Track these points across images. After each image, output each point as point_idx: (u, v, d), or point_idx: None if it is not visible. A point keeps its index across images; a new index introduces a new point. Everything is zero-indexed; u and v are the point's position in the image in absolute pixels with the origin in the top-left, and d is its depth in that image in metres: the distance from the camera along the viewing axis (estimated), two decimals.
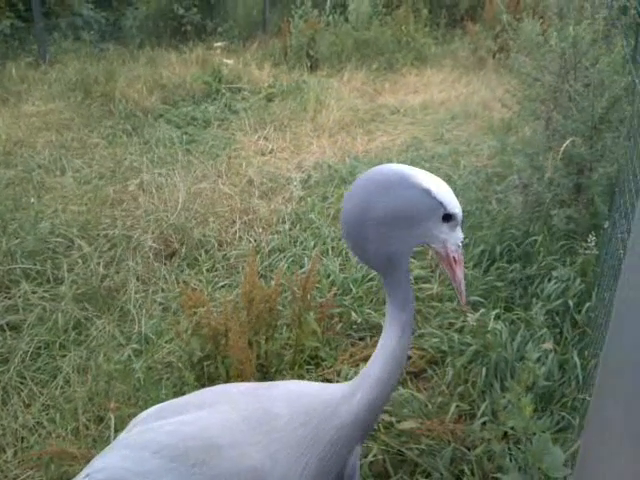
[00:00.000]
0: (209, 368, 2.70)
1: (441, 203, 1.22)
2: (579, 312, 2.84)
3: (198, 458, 1.24)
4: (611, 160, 3.05)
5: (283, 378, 2.74)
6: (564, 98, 3.31)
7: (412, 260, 3.47)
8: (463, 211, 1.37)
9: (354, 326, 3.11)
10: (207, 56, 8.34)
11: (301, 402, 1.38)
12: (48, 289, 3.50)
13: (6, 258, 3.68)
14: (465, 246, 3.59)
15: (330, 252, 3.78)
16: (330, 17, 9.30)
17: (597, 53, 3.04)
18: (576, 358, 2.55)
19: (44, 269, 3.63)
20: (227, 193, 4.71)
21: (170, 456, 1.24)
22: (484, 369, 2.69)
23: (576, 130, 3.09)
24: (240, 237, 4.16)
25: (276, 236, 4.08)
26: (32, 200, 4.49)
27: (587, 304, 2.82)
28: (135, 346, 3.04)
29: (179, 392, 2.69)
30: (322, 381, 2.78)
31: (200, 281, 3.65)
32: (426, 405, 2.68)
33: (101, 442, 2.39)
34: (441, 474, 2.30)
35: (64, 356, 3.00)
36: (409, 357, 2.99)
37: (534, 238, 3.34)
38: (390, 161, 5.04)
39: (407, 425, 2.52)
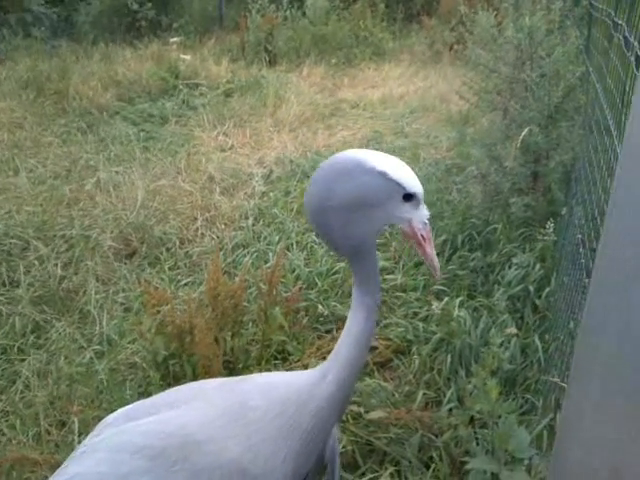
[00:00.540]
0: (174, 367, 2.66)
1: (399, 184, 1.22)
2: (539, 297, 2.91)
3: (179, 455, 1.22)
4: (567, 148, 3.12)
5: (250, 374, 2.71)
6: (520, 88, 3.37)
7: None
8: (425, 202, 1.38)
9: (320, 319, 3.11)
10: (163, 52, 8.21)
11: (275, 393, 1.39)
12: (4, 292, 3.39)
13: None
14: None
15: (295, 246, 3.76)
16: (287, 12, 9.28)
17: (552, 43, 3.11)
18: (538, 341, 2.61)
19: None
20: (187, 190, 4.65)
21: (149, 456, 1.22)
22: (449, 356, 2.72)
23: (533, 119, 3.16)
24: (202, 234, 4.11)
25: (239, 232, 4.05)
26: None
27: (547, 289, 2.89)
28: (97, 347, 2.97)
29: (144, 392, 2.64)
30: None
31: (162, 280, 3.59)
32: (393, 394, 2.69)
33: (64, 447, 2.33)
34: (410, 462, 2.32)
35: (23, 360, 2.92)
36: (375, 348, 3.00)
37: (494, 226, 3.40)
38: None
39: (375, 415, 2.53)
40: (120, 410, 1.49)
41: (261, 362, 2.83)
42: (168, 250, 3.91)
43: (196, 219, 4.27)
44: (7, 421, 2.58)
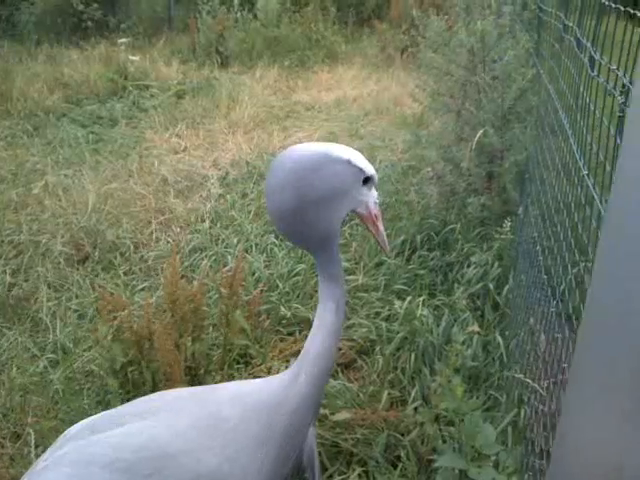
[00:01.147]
0: (133, 374, 2.58)
1: (361, 169, 1.30)
2: (499, 294, 2.96)
3: (153, 468, 1.18)
4: (520, 149, 3.20)
5: (213, 379, 2.67)
6: (473, 91, 3.43)
7: None
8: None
9: (283, 321, 3.08)
10: (111, 53, 8.00)
11: (247, 401, 1.37)
12: None
13: None
14: (387, 236, 3.65)
15: (254, 249, 3.72)
16: (238, 14, 9.20)
17: (503, 47, 3.18)
18: (499, 338, 2.66)
19: None
20: (140, 193, 4.54)
21: (121, 469, 1.17)
22: (412, 355, 2.74)
23: (486, 121, 3.22)
24: (157, 238, 4.02)
25: (196, 235, 3.97)
26: None
27: (506, 286, 2.94)
28: (51, 356, 2.86)
29: (102, 401, 2.56)
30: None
31: (117, 285, 3.49)
32: (358, 395, 2.69)
33: (20, 460, 2.22)
34: (377, 462, 2.32)
35: None
36: (339, 349, 3.00)
37: (452, 226, 3.45)
38: None
39: (341, 416, 2.52)
40: (83, 422, 1.43)
41: (223, 367, 2.77)
42: (122, 255, 3.80)
43: (150, 222, 4.17)
44: None
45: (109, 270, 3.67)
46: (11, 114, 6.27)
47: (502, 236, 3.04)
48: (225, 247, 3.78)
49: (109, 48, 8.38)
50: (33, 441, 2.16)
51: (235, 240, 3.80)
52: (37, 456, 2.02)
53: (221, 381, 2.64)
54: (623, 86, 1.16)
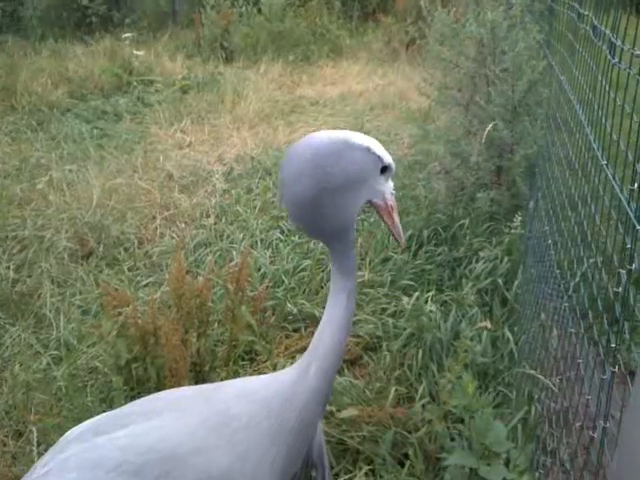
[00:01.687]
0: (138, 371, 2.55)
1: (379, 157, 1.26)
2: (508, 290, 2.91)
3: (161, 470, 1.15)
4: (530, 142, 3.14)
5: (218, 375, 2.63)
6: (482, 83, 3.38)
7: None
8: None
9: (289, 317, 3.05)
10: (116, 48, 7.96)
11: (256, 397, 1.33)
12: None
13: None
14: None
15: (259, 244, 3.69)
16: (243, 8, 9.15)
17: (514, 38, 3.13)
18: (509, 334, 2.61)
19: None
20: (145, 188, 4.50)
21: (129, 472, 1.14)
22: (420, 351, 2.70)
23: (496, 114, 3.17)
24: (162, 233, 3.99)
25: (201, 230, 3.94)
26: None
27: (515, 282, 2.90)
28: (54, 352, 2.83)
29: (106, 398, 2.53)
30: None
31: (121, 281, 3.45)
32: (364, 392, 2.66)
33: (22, 458, 2.20)
34: (384, 460, 2.28)
35: None
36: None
37: (460, 222, 3.40)
38: None
39: (347, 413, 2.48)
40: (85, 423, 1.39)
41: (228, 363, 2.74)
42: (126, 250, 3.77)
43: (155, 218, 4.14)
44: None
45: (113, 266, 3.64)
46: (15, 109, 6.25)
47: (512, 231, 3.00)
48: (230, 242, 3.74)
49: (114, 43, 8.35)
50: (35, 439, 2.13)
51: (240, 235, 3.76)
52: (39, 454, 1.98)
53: (226, 377, 2.60)
54: None
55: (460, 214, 3.45)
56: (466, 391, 1.99)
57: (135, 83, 7.02)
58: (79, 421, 1.40)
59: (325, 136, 1.25)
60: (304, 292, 3.27)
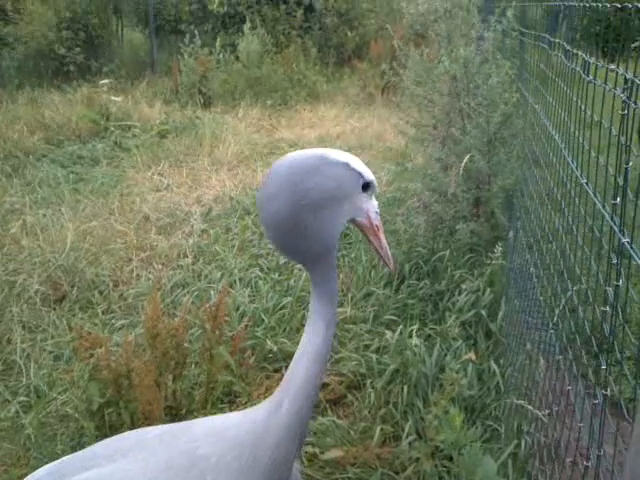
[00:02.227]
0: (111, 416, 2.43)
1: (360, 173, 1.22)
2: (492, 321, 2.87)
3: None
4: (507, 173, 3.16)
5: (195, 419, 2.51)
6: (457, 118, 3.41)
7: None
8: None
9: (269, 356, 2.96)
10: (93, 95, 7.98)
11: (226, 436, 1.25)
12: None
13: None
14: (374, 267, 3.57)
15: (238, 283, 3.61)
16: (220, 55, 9.28)
17: (487, 73, 3.17)
18: (494, 366, 2.55)
19: None
20: (121, 230, 4.43)
21: None
22: (405, 387, 2.62)
23: (472, 146, 3.19)
24: (138, 275, 3.90)
25: (178, 271, 3.86)
26: None
27: (500, 313, 2.85)
28: (24, 399, 2.69)
29: (78, 446, 2.39)
30: None
31: (95, 324, 3.34)
32: (349, 432, 2.56)
33: None
34: None
35: None
36: (327, 384, 2.87)
37: (441, 254, 3.37)
38: None
39: (331, 454, 2.39)
40: (49, 465, 1.31)
41: (206, 406, 2.63)
42: (101, 293, 3.67)
43: (131, 260, 4.05)
44: None
45: (87, 309, 3.54)
46: None
47: (493, 262, 2.97)
48: (208, 282, 3.66)
49: (91, 90, 8.37)
50: None
51: (218, 274, 3.69)
52: None
53: None
54: (625, 81, 1.10)
55: (440, 247, 3.43)
56: (453, 425, 1.91)
57: (112, 128, 7.00)
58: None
59: (302, 153, 1.21)
60: (284, 330, 3.19)
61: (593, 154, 1.39)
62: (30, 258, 3.96)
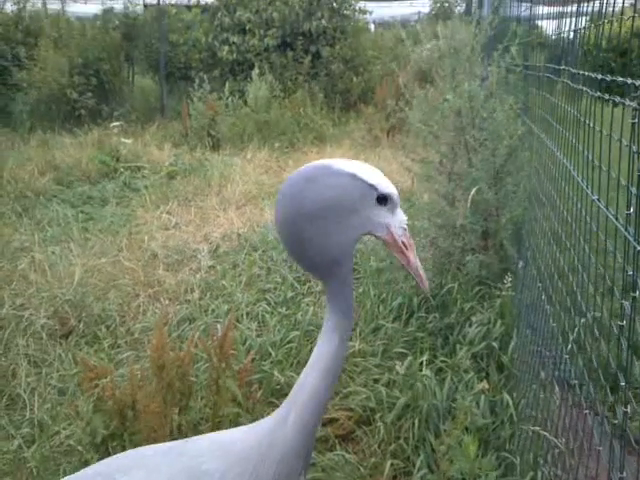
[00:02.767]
0: (115, 448, 2.37)
1: (371, 185, 1.15)
2: (504, 353, 2.82)
3: None
4: (515, 205, 3.16)
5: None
6: (463, 152, 3.44)
7: None
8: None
9: (277, 387, 2.91)
10: (103, 137, 8.13)
11: (230, 451, 1.21)
12: None
13: None
14: (382, 301, 3.54)
15: (245, 317, 3.58)
16: (229, 100, 9.47)
17: (492, 107, 3.21)
18: (508, 397, 2.49)
19: None
20: (129, 267, 4.43)
21: None
22: (416, 421, 2.55)
23: (479, 179, 3.20)
24: (144, 310, 3.88)
25: (185, 306, 3.84)
26: None
27: (511, 344, 2.80)
28: (27, 431, 2.64)
29: None
30: None
31: (101, 359, 3.30)
32: (358, 469, 2.49)
33: None
34: None
35: None
36: (336, 419, 2.81)
37: (450, 286, 3.34)
38: None
39: None
40: None
41: None
42: (108, 328, 3.65)
43: (138, 295, 4.04)
44: None
45: (93, 344, 3.51)
46: (0, 196, 6.25)
47: (503, 293, 2.94)
48: (215, 317, 3.64)
49: (101, 133, 8.53)
50: None
51: (225, 308, 3.66)
52: None
53: None
54: (636, 89, 1.11)
55: (449, 280, 3.40)
56: (467, 454, 1.85)
57: (122, 170, 7.10)
58: None
59: (312, 163, 1.20)
60: (292, 364, 3.14)
61: (604, 167, 1.39)
62: (37, 293, 3.95)
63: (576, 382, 1.76)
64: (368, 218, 1.17)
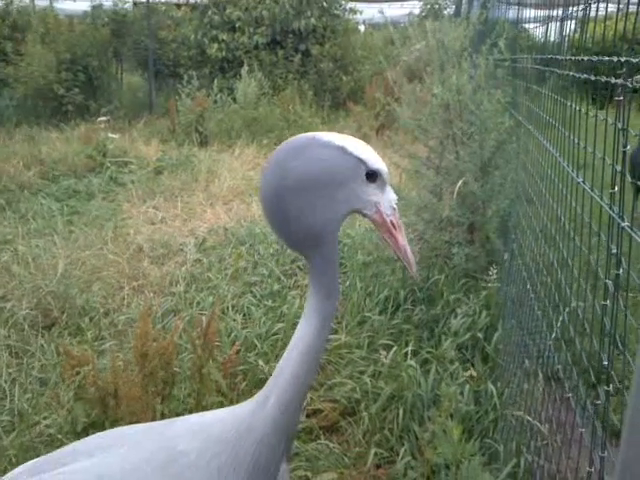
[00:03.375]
0: None
1: (360, 160, 1.10)
2: (488, 344, 2.82)
3: None
4: (501, 197, 3.16)
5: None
6: (451, 144, 3.44)
7: None
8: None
9: (261, 377, 2.88)
10: (90, 132, 8.05)
11: (208, 432, 1.19)
12: None
13: None
14: (369, 294, 3.53)
15: (230, 310, 3.55)
16: (218, 97, 9.43)
17: (479, 99, 3.22)
18: (492, 387, 2.49)
19: None
20: (113, 260, 4.39)
21: None
22: (400, 411, 2.55)
23: (466, 171, 3.20)
24: (129, 302, 3.84)
25: (170, 298, 3.80)
26: None
27: (496, 334, 2.80)
28: (7, 418, 2.60)
29: None
30: None
31: (85, 350, 3.26)
32: (343, 458, 2.47)
33: None
34: None
35: None
36: (320, 410, 2.80)
37: (436, 278, 3.34)
38: None
39: (325, 477, 2.30)
40: (27, 463, 1.25)
41: None
42: (91, 319, 3.61)
43: (122, 288, 4.00)
44: None
45: (77, 335, 3.47)
46: None
47: (489, 285, 2.94)
48: (200, 309, 3.61)
49: (88, 128, 8.45)
50: None
51: (210, 300, 3.63)
52: None
53: None
54: (621, 66, 1.11)
55: (436, 273, 3.40)
56: (451, 438, 1.85)
57: (109, 164, 7.03)
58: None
59: (301, 135, 1.15)
60: (277, 356, 3.12)
61: (589, 149, 1.38)
62: (20, 285, 3.90)
63: (559, 367, 1.76)
64: (356, 194, 1.12)
